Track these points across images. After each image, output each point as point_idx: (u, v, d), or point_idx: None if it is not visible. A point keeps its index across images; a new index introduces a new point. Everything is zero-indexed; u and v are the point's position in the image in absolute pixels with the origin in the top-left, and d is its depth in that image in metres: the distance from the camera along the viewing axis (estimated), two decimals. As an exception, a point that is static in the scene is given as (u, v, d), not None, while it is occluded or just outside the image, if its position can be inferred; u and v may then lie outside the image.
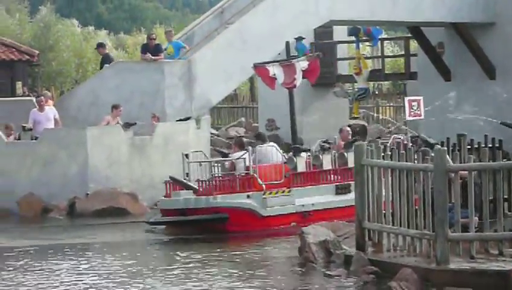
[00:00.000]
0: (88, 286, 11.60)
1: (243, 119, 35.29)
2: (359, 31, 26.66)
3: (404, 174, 11.36)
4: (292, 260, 12.83)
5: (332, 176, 17.12)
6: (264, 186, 16.14)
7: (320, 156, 17.12)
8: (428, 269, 10.73)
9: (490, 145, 14.49)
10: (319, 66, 18.01)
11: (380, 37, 27.89)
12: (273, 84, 17.68)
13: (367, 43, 29.18)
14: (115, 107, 19.15)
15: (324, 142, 18.05)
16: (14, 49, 27.44)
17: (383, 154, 12.00)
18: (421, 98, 18.33)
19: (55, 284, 11.75)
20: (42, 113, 18.99)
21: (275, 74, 17.11)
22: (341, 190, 16.98)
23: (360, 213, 11.93)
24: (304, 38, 19.06)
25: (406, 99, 18.24)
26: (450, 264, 10.68)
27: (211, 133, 25.16)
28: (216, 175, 16.54)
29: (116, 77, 20.29)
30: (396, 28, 45.96)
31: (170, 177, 16.35)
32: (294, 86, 17.66)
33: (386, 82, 38.52)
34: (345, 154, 17.11)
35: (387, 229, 11.70)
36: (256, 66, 17.44)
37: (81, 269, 12.89)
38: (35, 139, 18.54)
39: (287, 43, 18.28)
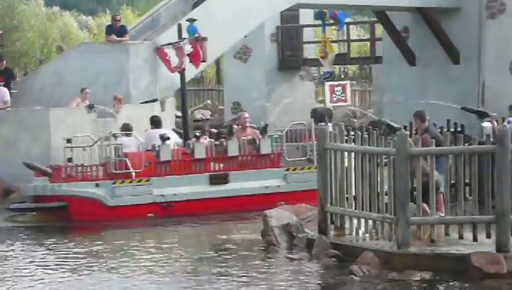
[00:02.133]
0: None
1: (208, 101, 35.22)
2: (325, 15, 26.63)
3: (366, 158, 11.41)
4: (255, 243, 12.85)
5: (206, 165, 16.28)
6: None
7: (192, 144, 16.45)
8: (390, 253, 10.82)
9: (453, 130, 14.60)
10: (203, 49, 17.49)
11: (345, 21, 27.93)
12: (170, 67, 17.41)
13: (333, 27, 29.21)
14: (82, 90, 19.02)
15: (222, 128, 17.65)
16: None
17: (346, 138, 12.04)
18: (346, 82, 18.33)
19: None
20: None
21: (169, 57, 16.87)
22: (216, 180, 16.20)
23: (323, 197, 11.97)
24: (195, 20, 18.78)
25: (327, 84, 18.20)
26: (410, 248, 10.77)
27: (176, 116, 25.06)
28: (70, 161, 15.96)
29: (81, 58, 20.11)
30: (363, 12, 46.06)
31: (24, 163, 15.99)
32: (183, 70, 17.14)
33: (351, 66, 38.61)
34: (224, 142, 16.54)
35: (349, 212, 11.76)
36: (157, 48, 17.19)
37: None
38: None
39: (179, 25, 17.96)
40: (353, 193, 11.70)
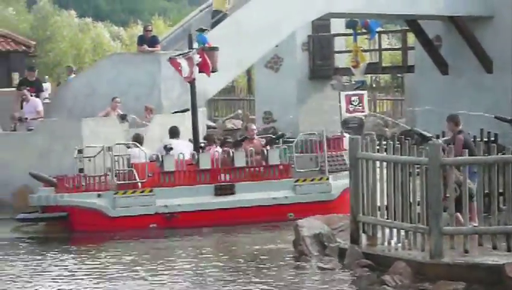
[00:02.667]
0: None
1: (240, 111, 35.27)
2: (357, 24, 26.57)
3: (398, 168, 11.35)
4: (286, 252, 12.82)
5: (211, 175, 16.09)
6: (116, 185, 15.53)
7: (196, 154, 16.28)
8: (422, 263, 10.73)
9: (486, 139, 14.48)
10: (213, 59, 17.32)
11: (377, 30, 27.85)
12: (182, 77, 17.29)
13: (364, 36, 29.14)
14: (112, 99, 19.13)
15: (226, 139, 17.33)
16: (10, 40, 27.38)
17: (378, 147, 11.99)
18: (364, 92, 18.06)
19: None
20: (27, 105, 18.99)
21: (181, 67, 16.84)
22: (221, 191, 15.98)
23: (355, 206, 11.92)
24: (206, 29, 18.72)
25: (343, 94, 17.92)
26: (443, 258, 10.68)
27: (208, 126, 25.10)
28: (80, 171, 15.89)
29: (113, 69, 20.23)
30: (394, 21, 45.90)
31: (30, 173, 16.02)
32: (193, 80, 17.05)
33: (383, 75, 38.48)
34: (231, 152, 16.35)
35: (381, 222, 11.69)
36: (170, 58, 17.17)
37: None
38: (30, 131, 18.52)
39: (189, 35, 17.87)
40: (385, 203, 11.63)
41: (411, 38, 29.81)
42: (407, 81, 32.54)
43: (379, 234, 11.80)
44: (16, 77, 27.49)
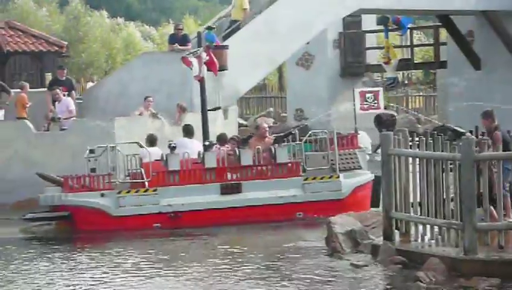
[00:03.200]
0: None
1: (271, 109, 35.27)
2: (388, 20, 26.47)
3: (431, 164, 11.27)
4: (319, 249, 12.80)
5: (217, 174, 15.88)
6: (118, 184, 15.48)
7: (201, 153, 16.07)
8: (456, 259, 10.65)
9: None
10: (222, 57, 17.29)
11: (409, 26, 27.70)
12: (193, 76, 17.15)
13: (396, 32, 28.99)
14: (145, 98, 19.20)
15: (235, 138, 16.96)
16: (43, 41, 27.55)
17: (410, 143, 11.92)
18: (379, 89, 17.77)
19: None
20: (59, 104, 19.10)
21: (193, 66, 16.76)
22: (227, 190, 15.80)
23: (387, 203, 11.86)
24: (213, 28, 18.52)
25: (357, 91, 17.61)
26: (478, 254, 10.59)
27: (240, 124, 25.13)
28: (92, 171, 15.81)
29: (144, 67, 20.32)
30: (426, 17, 45.59)
31: (37, 174, 16.05)
32: (202, 78, 16.96)
33: (415, 71, 38.28)
34: (237, 151, 16.16)
35: (414, 218, 11.63)
36: (183, 57, 17.10)
37: None
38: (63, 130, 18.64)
39: (199, 33, 17.75)
40: (418, 199, 11.56)
41: (443, 34, 29.61)
42: (440, 77, 32.34)
43: (412, 231, 11.74)
44: (49, 78, 27.71)
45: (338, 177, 16.13)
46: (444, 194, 11.22)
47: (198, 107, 19.74)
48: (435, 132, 13.74)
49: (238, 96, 22.22)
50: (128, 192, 15.50)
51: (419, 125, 30.32)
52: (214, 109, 19.84)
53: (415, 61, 30.54)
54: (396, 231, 11.85)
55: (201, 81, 16.98)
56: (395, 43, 30.39)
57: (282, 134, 16.76)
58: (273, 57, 21.54)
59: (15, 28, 27.32)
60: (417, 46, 32.70)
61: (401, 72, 33.42)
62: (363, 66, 30.49)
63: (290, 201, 15.91)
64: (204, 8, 68.79)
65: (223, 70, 17.92)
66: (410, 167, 11.66)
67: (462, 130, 14.01)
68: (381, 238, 11.93)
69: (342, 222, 12.65)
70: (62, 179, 15.88)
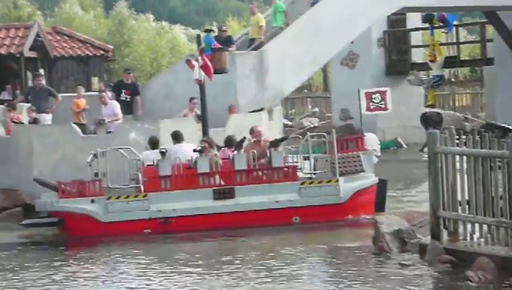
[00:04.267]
0: None
1: (316, 109, 35.21)
2: (433, 18, 26.28)
3: (479, 162, 11.13)
4: (365, 249, 12.72)
5: (209, 179, 15.59)
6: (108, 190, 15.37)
7: (193, 157, 15.77)
8: (506, 258, 10.50)
9: None
10: (219, 59, 16.85)
11: (454, 23, 27.45)
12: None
13: (441, 30, 28.77)
14: (190, 99, 19.25)
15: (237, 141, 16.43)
16: (88, 45, 27.84)
17: (457, 141, 11.79)
18: (386, 89, 17.39)
19: None
20: (105, 108, 19.22)
21: (195, 69, 16.62)
22: (220, 195, 15.49)
23: (435, 202, 11.74)
24: (212, 30, 18.32)
25: (362, 91, 17.24)
26: (528, 253, 10.43)
27: (284, 124, 25.12)
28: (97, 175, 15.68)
29: (188, 70, 20.29)
30: (472, 14, 45.16)
31: (34, 179, 16.01)
32: (199, 81, 16.77)
33: (462, 68, 37.94)
34: (230, 155, 15.90)
35: (462, 217, 11.49)
36: (187, 60, 16.96)
37: None
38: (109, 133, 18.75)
39: (198, 36, 17.47)
40: (466, 197, 11.42)
41: (489, 31, 29.29)
42: (487, 74, 32.03)
43: (460, 229, 11.61)
44: (95, 82, 28.00)
45: (337, 181, 15.70)
46: (493, 192, 11.06)
47: (242, 108, 19.80)
48: (482, 130, 13.61)
49: (283, 96, 22.18)
50: (117, 198, 15.42)
51: (466, 123, 30.04)
52: (259, 110, 19.84)
53: (461, 59, 30.25)
54: (444, 230, 11.72)
55: (200, 84, 16.78)
56: (440, 40, 30.15)
57: (278, 138, 16.32)
58: (317, 57, 21.48)
59: (61, 33, 27.65)
60: (463, 43, 32.44)
61: (447, 70, 33.12)
62: (408, 65, 30.32)
63: (286, 206, 15.54)
64: (247, 10, 68.93)
65: (223, 73, 17.69)
66: (458, 165, 11.51)
67: (509, 127, 13.83)
68: (429, 237, 11.81)
69: (389, 222, 12.56)
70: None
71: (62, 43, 26.92)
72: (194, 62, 16.59)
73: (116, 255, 13.63)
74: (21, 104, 19.94)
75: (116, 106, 19.24)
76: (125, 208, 15.37)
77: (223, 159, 15.98)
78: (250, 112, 19.74)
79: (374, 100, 16.72)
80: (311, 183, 15.69)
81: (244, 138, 16.34)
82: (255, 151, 15.84)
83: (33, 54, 24.26)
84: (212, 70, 16.65)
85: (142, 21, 49.98)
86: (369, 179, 16.08)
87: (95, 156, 15.88)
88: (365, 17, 22.12)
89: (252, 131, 16.69)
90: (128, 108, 19.81)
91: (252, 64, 20.33)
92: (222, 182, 15.63)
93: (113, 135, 18.45)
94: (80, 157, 18.04)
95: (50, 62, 25.92)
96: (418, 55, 30.91)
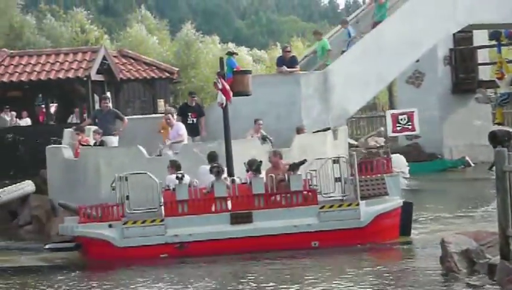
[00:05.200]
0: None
1: (382, 128, 34.93)
2: (500, 35, 25.91)
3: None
4: (433, 269, 12.54)
5: (227, 204, 15.45)
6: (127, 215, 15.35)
7: (211, 181, 15.62)
8: None
9: None
10: (242, 82, 16.68)
11: (523, 39, 27.03)
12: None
13: (509, 47, 28.32)
14: (255, 121, 19.30)
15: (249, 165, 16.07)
16: (154, 67, 28.14)
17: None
18: (414, 110, 17.02)
19: None
20: (172, 130, 19.34)
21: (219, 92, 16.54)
22: (237, 219, 15.32)
23: (503, 221, 11.50)
24: (234, 53, 18.14)
25: (388, 113, 16.82)
26: None
27: (350, 144, 24.96)
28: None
29: (253, 90, 20.40)
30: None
31: (59, 204, 16.09)
32: (221, 105, 16.70)
33: (531, 86, 37.26)
34: (248, 179, 15.66)
35: (532, 237, 11.24)
36: (215, 83, 16.84)
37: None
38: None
39: (221, 59, 17.33)
40: None
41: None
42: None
43: (531, 249, 11.35)
44: (161, 104, 28.23)
45: (357, 204, 15.38)
46: None
47: (307, 128, 19.72)
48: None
49: (348, 116, 22.08)
50: (134, 223, 15.44)
51: (536, 141, 29.46)
52: (324, 130, 19.77)
53: (530, 76, 29.72)
54: (513, 249, 11.47)
55: (223, 107, 16.77)
56: (508, 58, 29.71)
57: (296, 162, 16.00)
58: (382, 76, 21.36)
59: (127, 56, 28.02)
60: (532, 60, 31.83)
61: (515, 88, 32.57)
62: (475, 82, 29.93)
63: (305, 230, 15.30)
64: (312, 30, 69.02)
65: (245, 95, 17.59)
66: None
67: None
68: (498, 257, 11.57)
69: (457, 241, 12.36)
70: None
71: (128, 66, 27.25)
72: (219, 85, 16.64)
73: (133, 281, 13.57)
74: (88, 126, 20.23)
75: (181, 128, 19.37)
76: (141, 233, 15.42)
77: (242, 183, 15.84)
78: (314, 131, 19.69)
79: (400, 121, 16.47)
80: (330, 207, 15.41)
81: (261, 162, 16.11)
82: (273, 176, 15.66)
83: (100, 77, 24.63)
84: (231, 94, 16.61)
85: (208, 43, 50.41)
86: (392, 202, 15.69)
87: (120, 179, 15.89)
88: (430, 36, 21.93)
89: (270, 159, 16.37)
90: (195, 130, 19.92)
91: (316, 84, 20.32)
92: (240, 207, 15.42)
93: (179, 156, 18.57)
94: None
95: (116, 85, 26.24)
96: (485, 73, 30.50)
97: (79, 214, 15.92)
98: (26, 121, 26.11)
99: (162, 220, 15.41)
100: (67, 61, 24.04)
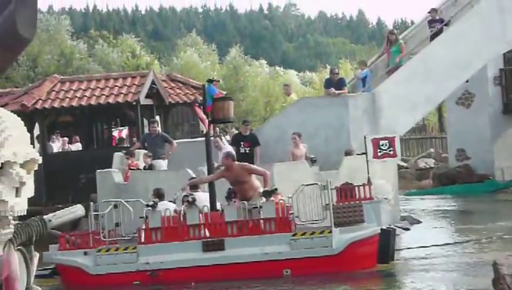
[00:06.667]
0: None
1: (432, 150, 34.70)
2: (551, 54, 25.61)
3: None
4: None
5: (199, 231, 15.32)
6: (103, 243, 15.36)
7: (182, 208, 15.50)
8: None
9: None
10: (222, 108, 16.39)
11: None
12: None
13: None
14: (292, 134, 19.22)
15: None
16: (202, 91, 28.25)
17: None
18: (395, 135, 16.64)
19: None
20: (221, 153, 19.35)
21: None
22: (209, 247, 15.14)
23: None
24: (215, 80, 17.83)
25: (369, 137, 16.45)
26: None
27: (399, 166, 24.81)
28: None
29: (301, 112, 20.44)
30: None
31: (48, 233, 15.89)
32: (201, 132, 16.63)
33: None
34: (221, 207, 15.41)
35: None
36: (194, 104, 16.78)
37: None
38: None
39: (203, 86, 17.10)
40: None
41: None
42: None
43: None
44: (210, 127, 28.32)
45: (330, 232, 15.02)
46: None
47: (356, 151, 19.63)
48: None
49: (397, 138, 21.93)
50: (107, 250, 15.49)
51: None
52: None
53: None
54: None
55: (204, 134, 16.69)
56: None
57: (269, 189, 15.59)
58: (430, 97, 21.22)
59: (176, 80, 28.18)
60: None
61: None
62: (526, 102, 29.52)
63: (276, 258, 15.00)
64: (360, 51, 68.89)
65: (227, 122, 17.37)
66: None
67: None
68: (552, 280, 11.35)
69: (510, 263, 12.14)
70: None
71: (177, 90, 27.39)
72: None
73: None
74: (138, 150, 20.37)
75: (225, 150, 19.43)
76: (113, 260, 15.45)
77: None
78: (363, 153, 19.58)
79: (381, 147, 16.14)
80: (303, 234, 15.05)
81: (230, 189, 15.86)
82: (245, 203, 15.35)
83: (149, 102, 24.81)
84: (206, 122, 16.49)
85: (256, 66, 50.64)
86: (367, 229, 15.28)
87: (116, 206, 15.90)
88: (479, 56, 21.75)
89: (223, 162, 16.25)
90: (248, 160, 19.78)
91: (365, 106, 20.25)
92: (212, 234, 15.29)
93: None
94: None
95: (165, 109, 26.40)
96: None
97: (59, 241, 16.01)
98: (77, 146, 26.40)
99: (134, 248, 15.45)
100: (116, 86, 24.27)
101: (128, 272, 15.34)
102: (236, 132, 20.82)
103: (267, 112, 46.02)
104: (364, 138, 16.78)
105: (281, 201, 15.33)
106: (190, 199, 15.48)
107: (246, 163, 16.57)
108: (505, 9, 21.76)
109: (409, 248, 17.26)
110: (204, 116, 16.47)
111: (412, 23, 42.42)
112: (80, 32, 56.56)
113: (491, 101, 29.37)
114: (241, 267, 14.94)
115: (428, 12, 22.77)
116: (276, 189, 15.62)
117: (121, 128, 27.91)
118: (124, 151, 20.64)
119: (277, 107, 46.09)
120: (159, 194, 16.32)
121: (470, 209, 23.73)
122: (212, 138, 20.01)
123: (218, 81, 18.77)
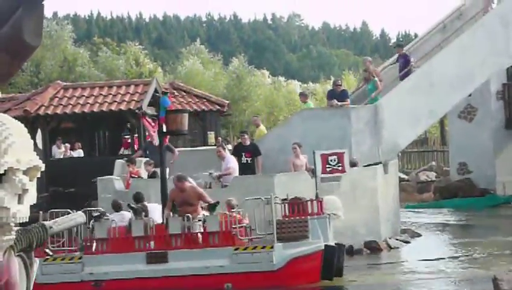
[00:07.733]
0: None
1: (433, 163, 34.66)
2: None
3: None
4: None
5: (143, 243, 15.37)
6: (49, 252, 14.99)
7: (129, 221, 15.62)
8: None
9: None
10: (175, 121, 16.28)
11: None
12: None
13: None
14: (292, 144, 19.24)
15: None
16: (205, 100, 28.27)
17: None
18: (344, 151, 16.68)
19: None
20: (224, 162, 19.35)
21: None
22: (153, 259, 15.19)
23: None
24: (167, 92, 17.90)
25: (318, 153, 16.45)
26: None
27: (400, 178, 24.79)
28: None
29: (303, 124, 20.45)
30: None
31: None
32: (151, 143, 16.64)
33: None
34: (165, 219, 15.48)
35: None
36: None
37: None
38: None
39: (157, 98, 17.27)
40: None
41: None
42: None
43: None
44: (211, 136, 28.35)
45: (271, 247, 15.06)
46: None
47: (358, 162, 19.64)
48: None
49: (399, 150, 21.96)
50: (54, 260, 15.46)
51: None
52: (374, 164, 19.66)
53: None
54: None
55: (155, 146, 16.72)
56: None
57: (212, 203, 15.73)
58: (433, 110, 21.23)
59: (179, 88, 28.21)
60: None
61: None
62: (529, 116, 29.50)
63: (217, 272, 15.05)
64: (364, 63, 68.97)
65: (180, 134, 17.37)
66: None
67: None
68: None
69: (509, 279, 12.14)
70: None
71: (179, 98, 27.40)
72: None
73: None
74: (139, 158, 20.37)
75: (231, 161, 19.43)
76: (59, 270, 15.45)
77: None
78: (365, 165, 19.60)
79: (330, 162, 16.18)
80: (245, 249, 15.13)
81: (218, 202, 15.85)
82: (190, 215, 15.36)
83: (151, 110, 24.82)
84: (155, 134, 16.39)
85: (259, 76, 50.67)
86: (311, 245, 15.27)
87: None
88: (483, 70, 21.77)
89: (175, 184, 16.11)
90: (248, 170, 19.72)
91: (367, 118, 20.26)
92: (156, 246, 15.35)
93: (229, 189, 18.62)
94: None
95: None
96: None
97: None
98: (79, 153, 26.40)
99: (80, 258, 15.48)
100: (119, 93, 24.28)
101: (72, 282, 15.40)
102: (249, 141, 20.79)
103: (270, 122, 46.04)
104: (314, 153, 16.74)
105: (225, 214, 15.38)
106: (135, 210, 15.70)
107: (199, 188, 16.49)
108: (509, 24, 21.79)
109: (406, 261, 17.25)
110: (151, 128, 16.51)
111: (416, 36, 42.47)
112: (83, 39, 56.64)
113: (494, 115, 29.35)
114: (184, 280, 15.01)
115: (394, 48, 22.89)
116: (218, 203, 15.65)
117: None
118: (126, 159, 20.64)
119: (280, 117, 46.16)
120: (117, 206, 16.40)
121: (470, 224, 23.70)
122: (215, 147, 20.05)
123: (173, 93, 18.69)
